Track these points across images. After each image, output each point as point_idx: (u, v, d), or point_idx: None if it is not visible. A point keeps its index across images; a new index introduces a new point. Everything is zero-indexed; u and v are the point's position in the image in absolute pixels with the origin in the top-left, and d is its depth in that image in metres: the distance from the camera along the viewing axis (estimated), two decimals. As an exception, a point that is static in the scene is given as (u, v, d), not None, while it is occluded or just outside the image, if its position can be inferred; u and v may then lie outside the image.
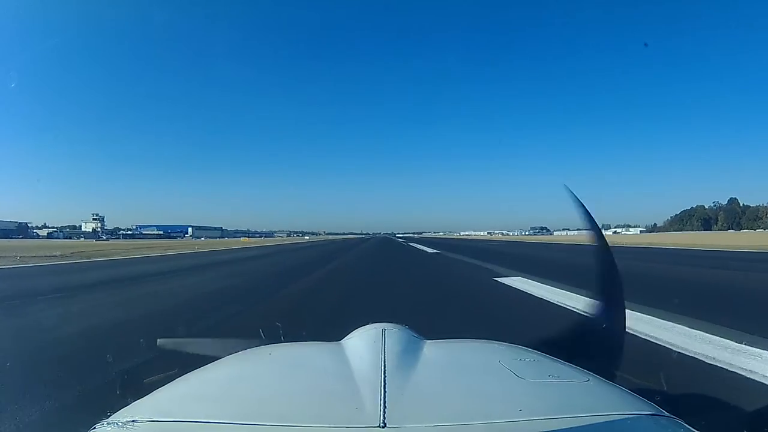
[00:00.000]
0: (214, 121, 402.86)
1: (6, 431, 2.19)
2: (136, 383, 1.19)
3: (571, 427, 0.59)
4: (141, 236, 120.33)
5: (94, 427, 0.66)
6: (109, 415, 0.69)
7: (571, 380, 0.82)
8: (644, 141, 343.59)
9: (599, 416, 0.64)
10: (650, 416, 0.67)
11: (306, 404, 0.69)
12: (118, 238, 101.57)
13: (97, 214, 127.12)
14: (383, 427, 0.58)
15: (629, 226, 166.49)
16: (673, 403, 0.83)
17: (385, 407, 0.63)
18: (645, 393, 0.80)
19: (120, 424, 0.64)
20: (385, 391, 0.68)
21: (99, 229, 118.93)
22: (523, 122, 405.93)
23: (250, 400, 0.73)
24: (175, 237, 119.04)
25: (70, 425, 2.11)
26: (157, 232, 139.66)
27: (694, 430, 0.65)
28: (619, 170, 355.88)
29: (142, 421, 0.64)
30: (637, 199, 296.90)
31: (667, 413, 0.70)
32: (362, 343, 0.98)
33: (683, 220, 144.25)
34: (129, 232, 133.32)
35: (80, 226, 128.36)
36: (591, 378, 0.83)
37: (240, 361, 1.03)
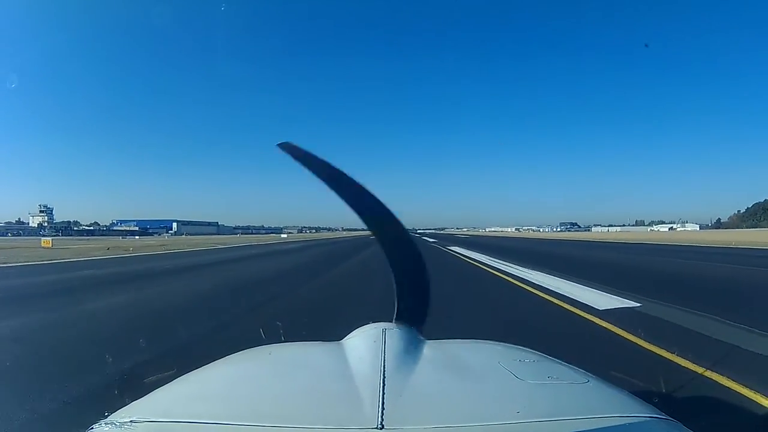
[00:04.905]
0: (215, 112, 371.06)
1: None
2: (135, 383, 1.19)
3: (569, 429, 0.60)
4: (102, 233, 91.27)
5: (92, 428, 0.65)
6: (107, 416, 0.69)
7: (571, 382, 0.83)
8: (698, 127, 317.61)
9: (598, 418, 0.65)
10: (649, 418, 0.69)
11: (304, 405, 0.70)
12: (70, 235, 71.58)
13: (45, 206, 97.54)
14: (381, 429, 0.59)
15: (685, 222, 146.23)
16: (671, 405, 0.85)
17: (383, 408, 0.64)
18: (644, 395, 0.82)
19: (118, 424, 0.64)
20: (384, 392, 0.69)
21: (45, 224, 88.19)
22: (554, 110, 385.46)
23: (249, 400, 0.74)
24: (153, 234, 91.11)
25: (67, 425, 2.12)
26: (132, 228, 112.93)
27: None
28: (667, 160, 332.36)
29: (140, 422, 0.64)
30: (689, 193, 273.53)
31: (665, 415, 0.71)
32: (362, 343, 0.99)
33: (757, 215, 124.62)
34: (89, 228, 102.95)
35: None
36: (590, 379, 0.84)
37: (240, 361, 1.04)
